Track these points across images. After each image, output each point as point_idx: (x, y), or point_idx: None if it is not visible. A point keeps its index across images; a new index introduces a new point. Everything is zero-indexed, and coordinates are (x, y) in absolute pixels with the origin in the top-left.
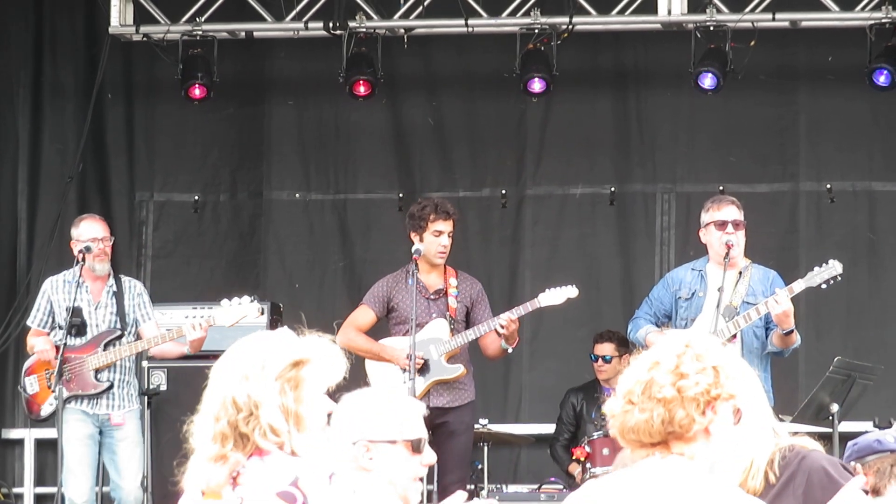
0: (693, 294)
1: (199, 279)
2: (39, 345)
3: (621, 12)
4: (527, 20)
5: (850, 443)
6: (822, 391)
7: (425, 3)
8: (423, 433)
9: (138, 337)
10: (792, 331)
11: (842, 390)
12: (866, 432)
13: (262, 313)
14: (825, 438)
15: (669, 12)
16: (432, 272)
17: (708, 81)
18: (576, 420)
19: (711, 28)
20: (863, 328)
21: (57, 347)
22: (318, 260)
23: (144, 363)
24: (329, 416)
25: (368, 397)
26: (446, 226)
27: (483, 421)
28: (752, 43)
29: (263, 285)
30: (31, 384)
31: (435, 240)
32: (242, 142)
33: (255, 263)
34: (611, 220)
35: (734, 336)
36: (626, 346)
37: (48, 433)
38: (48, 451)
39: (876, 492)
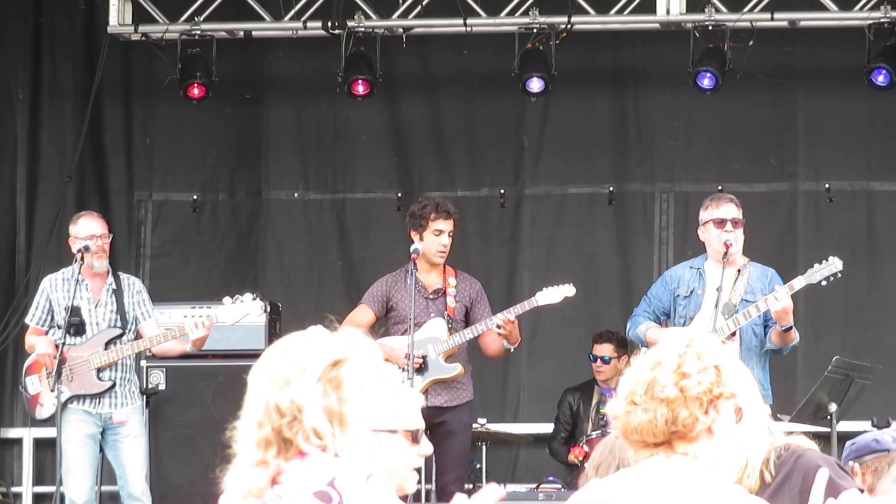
0: (692, 292)
1: (198, 279)
2: (41, 346)
3: (620, 12)
4: (525, 20)
5: (848, 442)
6: (820, 391)
7: (424, 3)
8: (421, 424)
9: (138, 335)
10: (791, 328)
11: (840, 390)
12: (864, 432)
13: (265, 311)
14: (823, 438)
15: (668, 12)
16: (431, 272)
17: (706, 81)
18: (572, 419)
19: (710, 28)
20: (861, 328)
21: (56, 346)
22: (316, 259)
23: (143, 362)
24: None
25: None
26: (447, 225)
27: (481, 420)
28: (751, 42)
29: (262, 285)
30: (32, 384)
31: (435, 239)
32: (241, 141)
33: (253, 263)
34: (609, 219)
35: (733, 334)
36: (624, 346)
37: (47, 432)
38: (47, 451)
39: (873, 491)
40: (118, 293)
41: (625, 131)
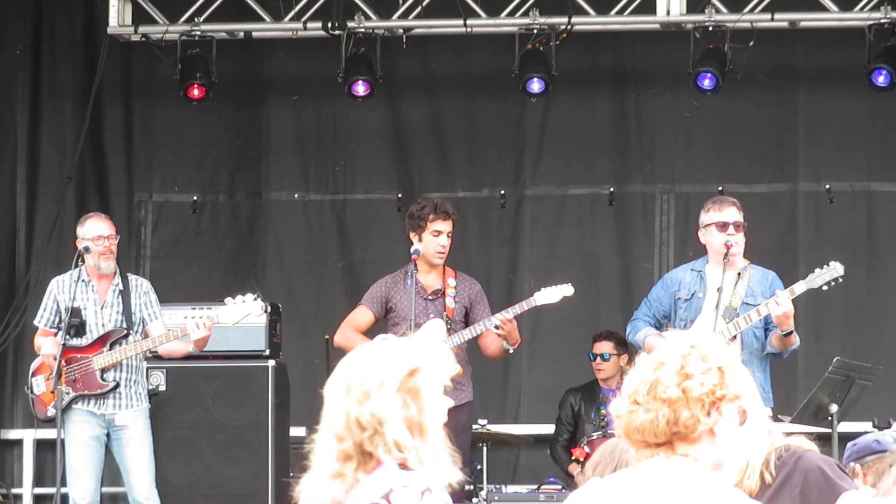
0: (692, 295)
1: (198, 280)
2: (46, 347)
3: (620, 12)
4: (525, 20)
5: (849, 443)
6: (821, 391)
7: (424, 4)
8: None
9: (145, 336)
10: (791, 332)
11: (841, 391)
12: (865, 433)
13: (266, 311)
14: (824, 439)
15: (668, 12)
16: (431, 272)
17: (707, 82)
18: (574, 420)
19: (710, 28)
20: (862, 329)
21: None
22: (316, 260)
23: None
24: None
25: None
26: (445, 226)
27: (482, 421)
28: (751, 43)
29: (262, 286)
30: (37, 384)
31: (434, 240)
32: (241, 142)
33: (253, 264)
34: (610, 220)
35: (734, 337)
36: (624, 345)
37: (48, 433)
38: (48, 452)
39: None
40: (125, 294)
41: (625, 132)
